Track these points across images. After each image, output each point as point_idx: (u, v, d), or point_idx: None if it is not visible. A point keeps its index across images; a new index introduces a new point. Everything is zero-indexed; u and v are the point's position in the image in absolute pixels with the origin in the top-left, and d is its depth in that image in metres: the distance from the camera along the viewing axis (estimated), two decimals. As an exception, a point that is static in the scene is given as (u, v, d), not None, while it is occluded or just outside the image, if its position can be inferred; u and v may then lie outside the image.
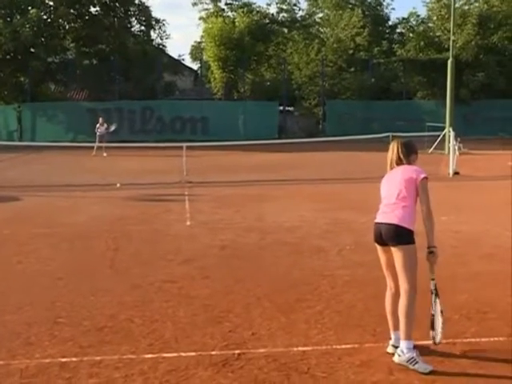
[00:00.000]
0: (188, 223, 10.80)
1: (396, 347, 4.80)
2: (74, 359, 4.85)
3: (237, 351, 4.97)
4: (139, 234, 9.92)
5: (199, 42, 47.63)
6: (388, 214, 4.84)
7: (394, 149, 5.04)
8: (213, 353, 4.95)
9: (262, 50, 40.50)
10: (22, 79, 36.90)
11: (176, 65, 43.50)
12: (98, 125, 27.57)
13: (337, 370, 4.62)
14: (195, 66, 52.15)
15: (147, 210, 12.40)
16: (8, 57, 34.11)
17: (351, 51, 40.68)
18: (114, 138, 27.79)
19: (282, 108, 38.10)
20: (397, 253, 4.75)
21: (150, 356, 4.90)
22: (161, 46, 41.62)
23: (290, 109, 40.88)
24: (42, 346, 5.12)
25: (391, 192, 4.90)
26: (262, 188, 15.50)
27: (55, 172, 19.94)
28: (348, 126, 34.15)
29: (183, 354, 4.92)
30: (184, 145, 17.85)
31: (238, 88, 40.55)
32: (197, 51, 49.76)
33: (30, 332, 5.43)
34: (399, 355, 4.67)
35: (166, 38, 42.30)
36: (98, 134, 27.16)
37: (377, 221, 4.95)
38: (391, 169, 5.03)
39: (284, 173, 18.67)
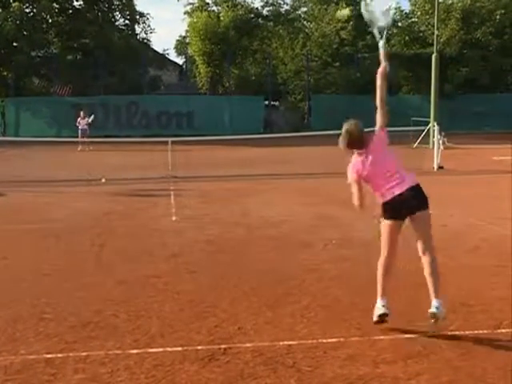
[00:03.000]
0: (174, 218, 10.77)
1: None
2: (59, 355, 4.82)
3: (223, 346, 4.96)
4: (125, 230, 9.88)
5: (184, 37, 47.46)
6: (403, 182, 5.02)
7: (353, 132, 5.13)
8: (199, 348, 4.94)
9: (247, 44, 40.45)
10: (5, 73, 36.60)
11: (161, 59, 43.40)
12: (78, 119, 27.41)
13: (323, 363, 4.63)
14: (180, 60, 52.02)
15: (133, 205, 12.35)
16: (-10, 51, 33.86)
17: (336, 46, 40.73)
18: (100, 133, 27.68)
19: (267, 103, 38.10)
20: (425, 215, 5.09)
21: (135, 351, 4.88)
22: (145, 41, 41.47)
23: (276, 103, 40.93)
24: (27, 343, 5.08)
25: (384, 167, 5.08)
26: (248, 182, 15.50)
27: (40, 167, 19.81)
28: (333, 120, 34.03)
29: (169, 349, 4.90)
30: (169, 139, 17.79)
31: (224, 83, 40.48)
32: (182, 46, 49.59)
33: (15, 328, 5.39)
34: (440, 310, 4.94)
35: (151, 33, 42.22)
36: (80, 128, 27.04)
37: (396, 193, 5.01)
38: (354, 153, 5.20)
39: (270, 167, 18.67)
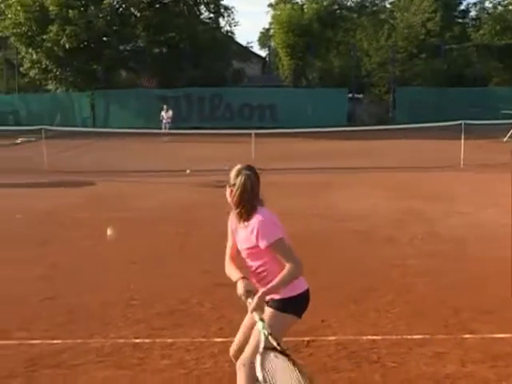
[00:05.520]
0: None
1: None
2: (146, 340, 4.97)
3: (306, 338, 4.96)
4: (208, 220, 10.03)
5: (267, 29, 47.61)
6: None
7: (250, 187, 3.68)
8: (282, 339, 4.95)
9: (330, 36, 40.12)
10: (95, 67, 37.84)
11: (244, 52, 43.66)
12: (162, 112, 28.76)
13: (408, 360, 4.55)
14: (263, 53, 52.25)
15: (216, 196, 12.51)
16: (82, 46, 34.96)
17: (422, 37, 39.74)
18: (185, 125, 28.37)
19: (351, 95, 37.68)
20: None
21: (220, 340, 4.96)
22: (229, 34, 41.82)
23: (360, 96, 40.41)
24: (117, 327, 5.26)
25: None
26: (332, 175, 15.38)
27: (127, 158, 20.37)
28: (419, 113, 33.40)
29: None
30: (253, 132, 17.90)
31: (307, 75, 40.32)
32: (265, 38, 49.77)
33: (105, 313, 5.60)
34: None
35: (235, 26, 42.43)
36: (163, 121, 28.39)
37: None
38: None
39: (353, 160, 18.46)
